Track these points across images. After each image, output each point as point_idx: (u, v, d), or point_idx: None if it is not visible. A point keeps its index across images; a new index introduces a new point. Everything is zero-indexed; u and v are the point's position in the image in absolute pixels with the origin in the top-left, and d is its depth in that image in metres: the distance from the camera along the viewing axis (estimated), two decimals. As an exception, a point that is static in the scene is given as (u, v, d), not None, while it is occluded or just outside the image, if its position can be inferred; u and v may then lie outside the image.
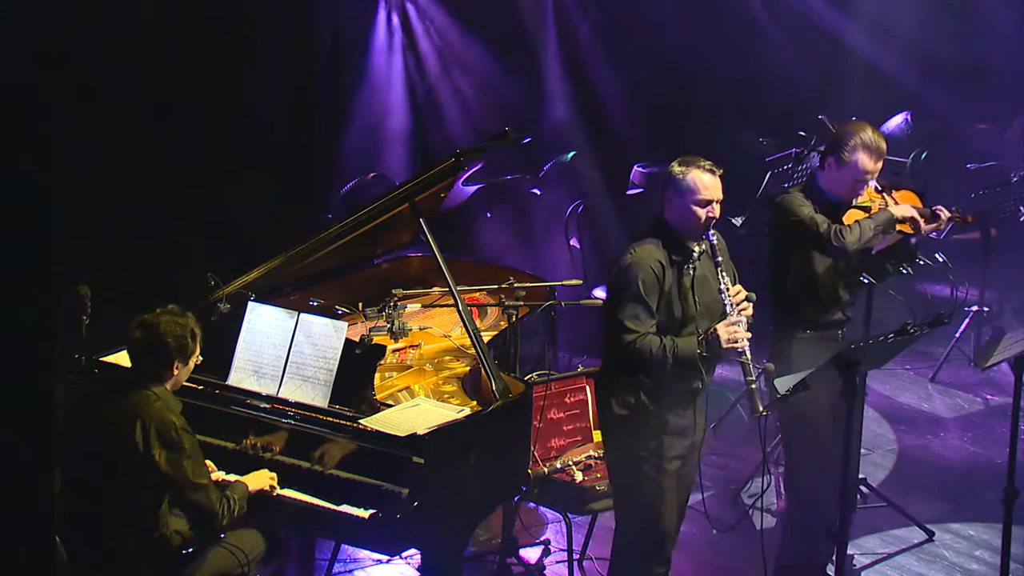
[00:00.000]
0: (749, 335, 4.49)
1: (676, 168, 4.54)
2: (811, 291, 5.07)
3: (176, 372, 4.40)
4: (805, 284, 5.06)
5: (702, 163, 4.53)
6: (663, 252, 4.54)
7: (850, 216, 5.12)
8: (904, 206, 5.16)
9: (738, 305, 4.51)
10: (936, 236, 8.44)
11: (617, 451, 4.75)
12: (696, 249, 4.59)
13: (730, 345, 4.45)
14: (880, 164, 5.06)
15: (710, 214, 4.51)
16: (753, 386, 4.49)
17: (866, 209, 5.15)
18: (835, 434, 5.01)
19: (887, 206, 5.18)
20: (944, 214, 5.25)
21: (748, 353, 4.50)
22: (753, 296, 4.58)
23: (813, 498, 5.11)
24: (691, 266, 4.59)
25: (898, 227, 5.18)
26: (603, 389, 4.79)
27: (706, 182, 4.50)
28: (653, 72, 10.09)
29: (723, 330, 4.45)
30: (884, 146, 5.06)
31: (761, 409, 4.47)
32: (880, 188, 5.20)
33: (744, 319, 4.51)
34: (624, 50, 10.16)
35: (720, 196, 4.54)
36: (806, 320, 5.10)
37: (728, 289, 4.53)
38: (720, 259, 4.55)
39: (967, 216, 5.49)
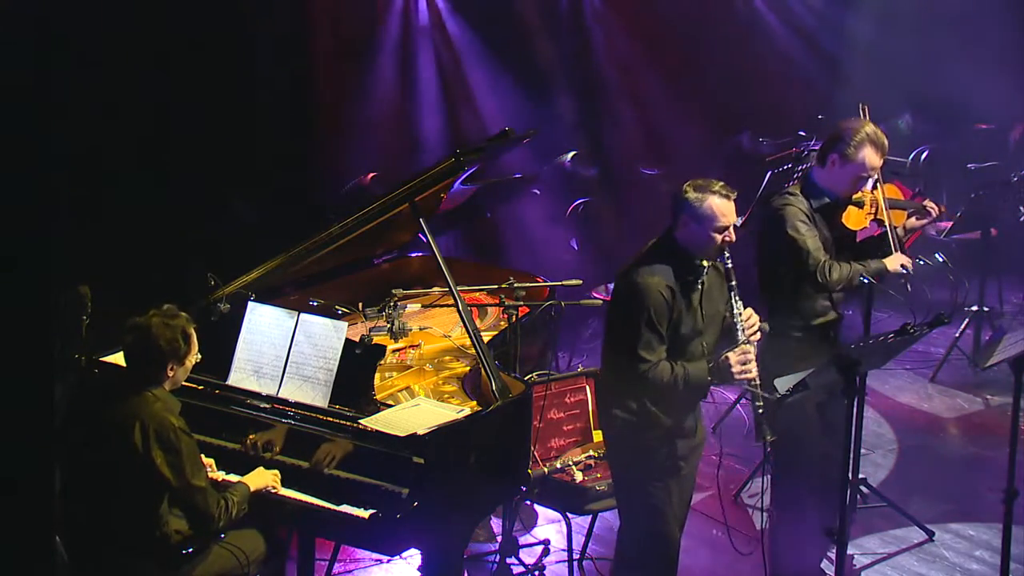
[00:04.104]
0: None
1: (692, 194, 4.50)
2: (804, 291, 5.06)
3: (172, 374, 4.38)
4: (797, 285, 5.05)
5: (716, 188, 4.50)
6: (672, 275, 4.51)
7: (848, 214, 5.12)
8: (897, 257, 5.14)
9: (750, 332, 4.52)
10: (936, 236, 8.48)
11: (621, 455, 4.75)
12: (705, 264, 4.58)
13: (741, 376, 4.46)
14: (883, 160, 5.06)
15: (727, 239, 4.51)
16: (761, 411, 4.50)
17: (859, 204, 5.14)
18: (820, 433, 5.02)
19: (877, 204, 5.17)
20: (932, 207, 5.28)
21: (758, 380, 4.50)
22: (766, 327, 4.59)
23: (798, 499, 5.11)
24: (700, 281, 4.59)
25: (882, 216, 5.19)
26: (605, 394, 4.79)
27: (723, 208, 4.48)
28: (653, 72, 10.09)
29: (734, 360, 4.45)
30: (887, 142, 5.06)
31: (769, 436, 4.49)
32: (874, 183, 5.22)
33: (755, 346, 4.52)
34: (623, 49, 10.16)
35: (735, 219, 4.53)
36: (800, 319, 5.09)
37: (740, 314, 4.52)
38: (734, 283, 4.54)
39: (941, 207, 5.50)
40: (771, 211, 5.12)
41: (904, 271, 5.17)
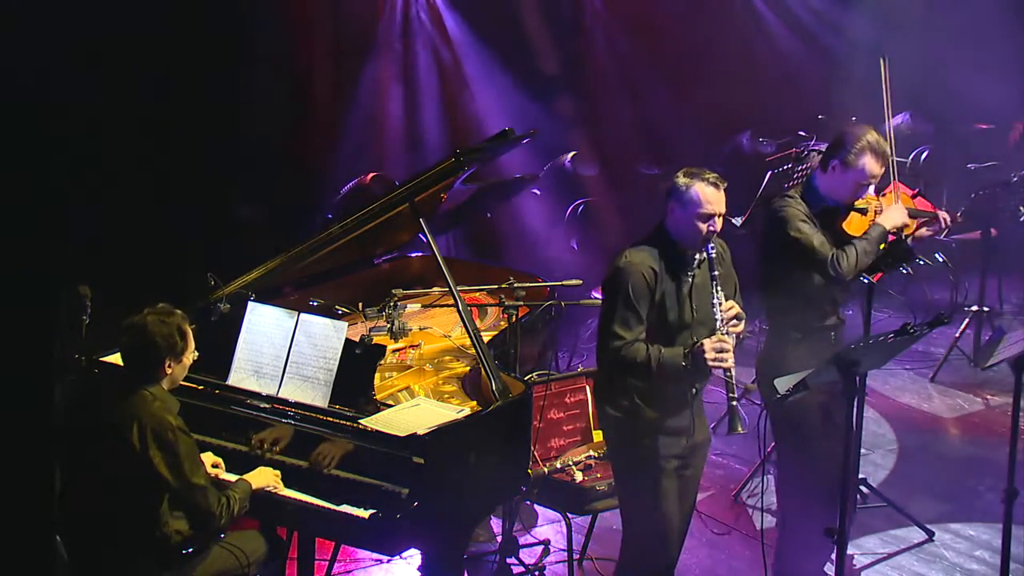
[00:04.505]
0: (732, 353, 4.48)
1: (681, 179, 4.52)
2: (805, 295, 5.06)
3: (170, 371, 4.37)
4: (799, 288, 5.05)
5: (707, 176, 4.50)
6: (658, 259, 4.53)
7: (850, 220, 5.11)
8: (893, 211, 5.13)
9: (728, 322, 4.51)
10: (936, 236, 8.44)
11: (616, 453, 4.76)
12: (697, 257, 4.58)
13: (715, 364, 4.44)
14: (884, 168, 5.06)
15: (711, 228, 4.50)
16: (734, 403, 4.50)
17: (863, 211, 5.14)
18: (826, 434, 5.01)
19: (881, 208, 5.18)
20: (944, 218, 5.27)
21: (733, 371, 4.49)
22: (743, 315, 4.59)
23: (804, 498, 5.11)
24: (691, 273, 4.59)
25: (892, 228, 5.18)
26: (599, 391, 4.81)
27: (709, 196, 4.47)
28: (653, 72, 10.10)
29: (709, 347, 4.42)
30: (888, 150, 5.06)
31: (740, 428, 4.47)
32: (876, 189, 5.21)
33: (734, 336, 4.51)
34: (623, 48, 10.17)
35: (723, 209, 4.52)
36: (800, 323, 5.09)
37: (720, 304, 4.52)
38: (716, 272, 4.53)
39: (956, 215, 5.49)
40: (771, 214, 5.12)
41: (904, 225, 5.14)
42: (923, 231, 5.36)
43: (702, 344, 4.44)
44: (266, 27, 8.38)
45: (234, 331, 4.91)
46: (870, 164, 4.98)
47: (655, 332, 4.54)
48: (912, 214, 5.31)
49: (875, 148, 4.98)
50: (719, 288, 4.53)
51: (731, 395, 4.50)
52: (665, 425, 4.61)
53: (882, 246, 5.09)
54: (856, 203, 5.11)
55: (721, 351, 4.42)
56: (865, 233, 5.06)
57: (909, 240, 5.32)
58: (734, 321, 4.53)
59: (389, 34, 9.28)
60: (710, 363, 4.43)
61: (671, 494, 4.64)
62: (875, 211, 5.17)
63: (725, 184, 4.53)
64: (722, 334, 4.47)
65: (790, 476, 5.24)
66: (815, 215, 5.05)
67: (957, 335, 8.31)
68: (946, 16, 10.01)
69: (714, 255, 4.53)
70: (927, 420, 7.64)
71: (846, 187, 5.04)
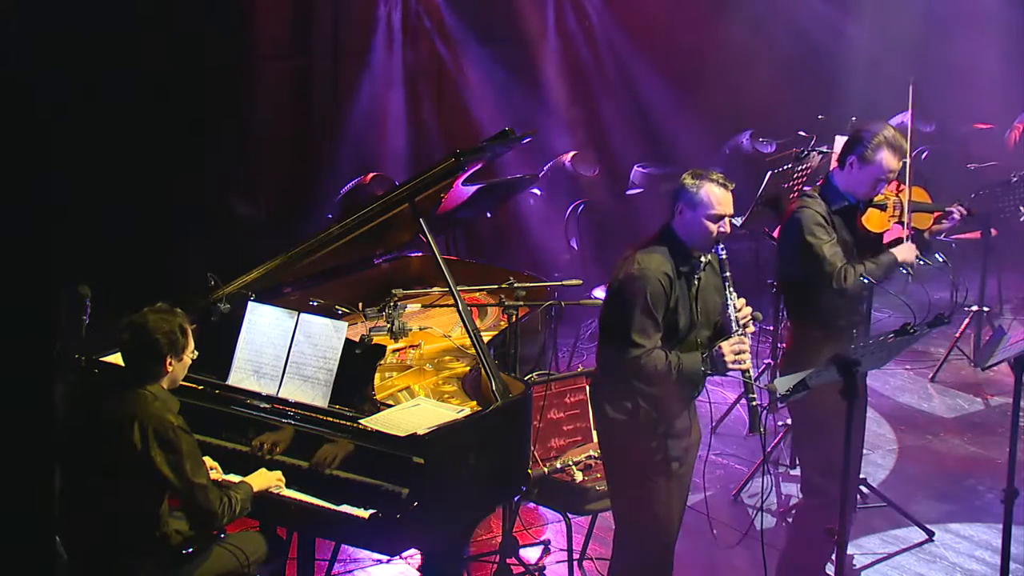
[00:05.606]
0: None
1: (689, 181, 4.51)
2: (827, 293, 5.05)
3: (171, 368, 4.36)
4: (821, 287, 5.04)
5: (714, 176, 4.50)
6: (671, 264, 4.51)
7: (868, 216, 5.12)
8: (906, 248, 5.15)
9: (744, 322, 4.51)
10: (936, 235, 8.44)
11: (615, 455, 4.73)
12: (703, 259, 4.58)
13: (735, 367, 4.44)
14: (901, 163, 5.07)
15: (722, 229, 4.49)
16: (754, 403, 4.49)
17: (882, 206, 5.15)
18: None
19: (901, 206, 5.19)
20: (959, 212, 5.29)
21: (751, 372, 4.50)
22: (759, 316, 4.58)
23: (825, 497, 5.11)
24: (698, 276, 4.59)
25: (905, 219, 5.20)
26: (598, 394, 4.76)
27: (719, 197, 4.47)
28: (653, 71, 10.10)
29: (728, 349, 4.43)
30: (906, 145, 5.07)
31: (761, 429, 4.48)
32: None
33: (748, 337, 4.51)
34: (625, 48, 10.17)
35: (732, 211, 4.53)
36: (825, 320, 5.09)
37: (734, 304, 4.51)
38: (728, 274, 4.53)
39: (971, 210, 5.51)
40: (789, 215, 5.13)
41: (906, 269, 5.18)
42: (941, 225, 5.38)
43: (720, 348, 4.44)
44: (266, 26, 8.38)
45: (234, 331, 4.91)
46: (887, 159, 5.00)
47: (663, 335, 4.53)
48: (927, 208, 5.32)
49: (892, 143, 5.00)
50: (732, 290, 4.53)
51: (751, 395, 4.51)
52: (668, 427, 4.61)
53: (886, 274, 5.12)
54: (875, 199, 5.13)
55: (740, 353, 4.43)
56: (876, 258, 5.07)
57: (927, 234, 5.35)
58: (749, 323, 4.54)
59: (389, 33, 9.28)
60: (730, 366, 4.44)
61: (668, 496, 4.64)
62: (894, 206, 5.18)
63: (733, 185, 4.53)
64: (739, 335, 4.47)
65: (811, 474, 5.24)
66: (834, 212, 5.07)
67: (957, 335, 8.31)
68: (946, 15, 10.01)
69: (724, 256, 4.53)
70: (927, 420, 7.64)
71: (864, 183, 5.06)
